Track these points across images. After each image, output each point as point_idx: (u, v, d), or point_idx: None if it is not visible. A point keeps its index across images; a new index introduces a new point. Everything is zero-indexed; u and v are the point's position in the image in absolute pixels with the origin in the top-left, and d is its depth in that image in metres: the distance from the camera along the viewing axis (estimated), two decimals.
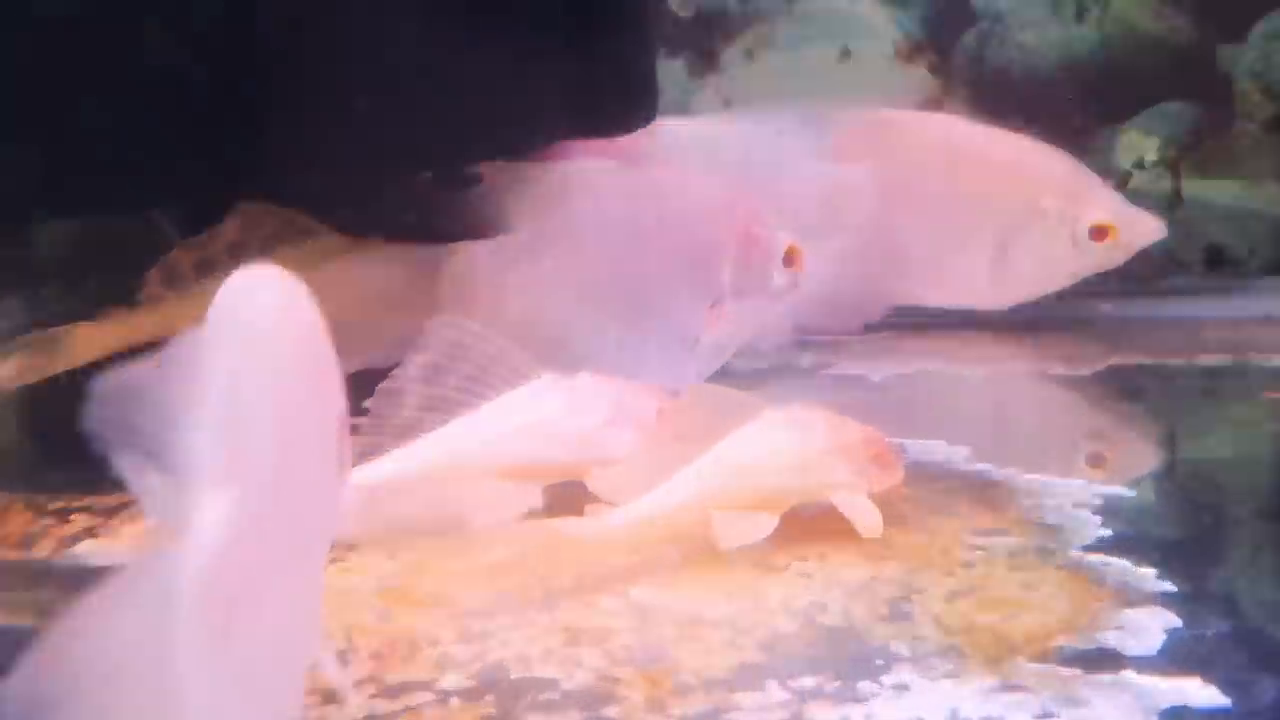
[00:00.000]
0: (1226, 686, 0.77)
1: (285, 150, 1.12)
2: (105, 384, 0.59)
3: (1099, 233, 1.42)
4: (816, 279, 1.36)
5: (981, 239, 1.45)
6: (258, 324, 0.64)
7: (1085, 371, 1.45)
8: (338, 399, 0.69)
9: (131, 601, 0.57)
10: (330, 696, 0.76)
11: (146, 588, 0.56)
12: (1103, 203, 1.41)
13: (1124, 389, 1.41)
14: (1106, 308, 1.57)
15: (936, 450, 1.18)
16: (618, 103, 1.21)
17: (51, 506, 1.15)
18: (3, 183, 1.20)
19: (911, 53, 1.49)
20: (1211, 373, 1.38)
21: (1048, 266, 1.44)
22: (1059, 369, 1.46)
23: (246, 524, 0.57)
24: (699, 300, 1.25)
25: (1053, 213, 1.41)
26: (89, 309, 1.24)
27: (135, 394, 0.60)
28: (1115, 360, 1.45)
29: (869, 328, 1.51)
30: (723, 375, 1.29)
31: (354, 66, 1.12)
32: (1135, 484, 1.13)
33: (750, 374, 1.38)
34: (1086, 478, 1.13)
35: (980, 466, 1.15)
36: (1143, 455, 1.28)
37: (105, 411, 0.59)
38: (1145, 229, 1.42)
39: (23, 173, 1.18)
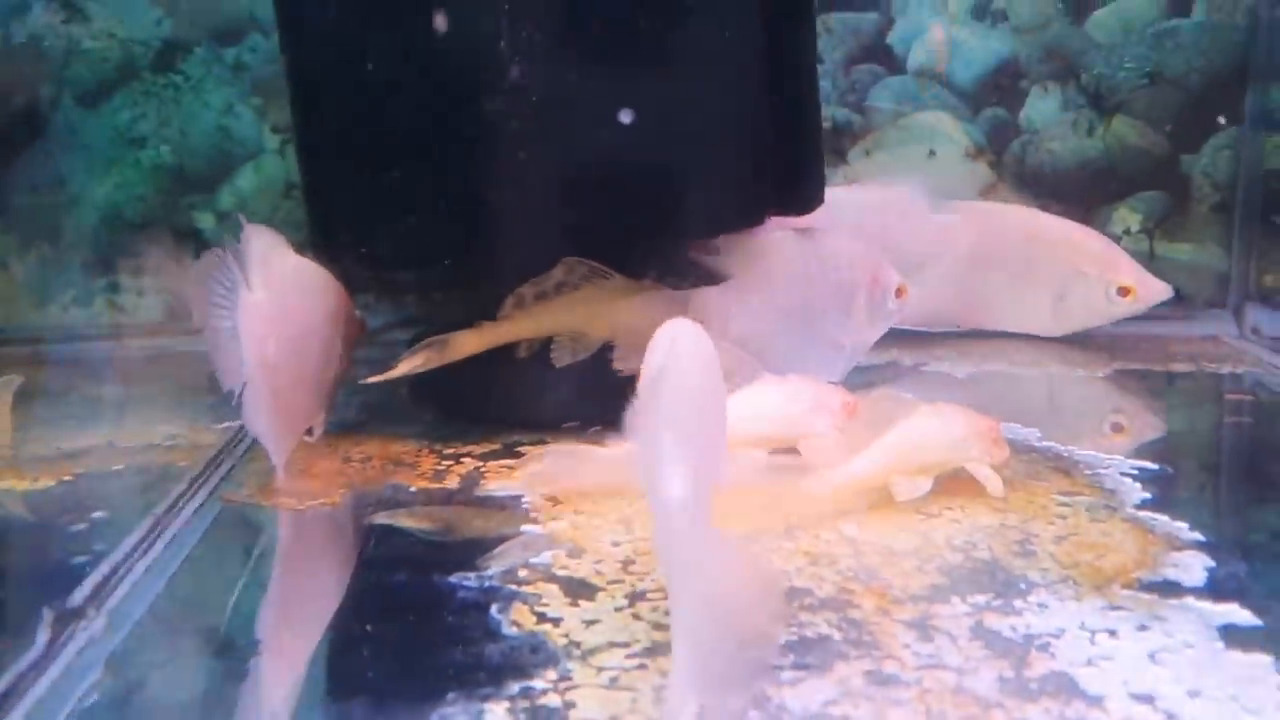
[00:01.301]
0: (1257, 611, 0.80)
1: (595, 229, 1.19)
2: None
3: (1124, 291, 1.45)
4: (923, 294, 1.42)
5: (1044, 291, 1.51)
6: (686, 356, 0.74)
7: (1099, 373, 1.48)
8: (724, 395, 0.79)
9: None
10: None
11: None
12: (1128, 270, 1.44)
13: (1127, 386, 1.41)
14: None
15: (1017, 431, 1.20)
16: (802, 196, 1.30)
17: (447, 451, 1.20)
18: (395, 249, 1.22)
19: (976, 154, 1.53)
20: (1180, 376, 1.36)
21: (1089, 313, 1.50)
22: (1081, 371, 1.49)
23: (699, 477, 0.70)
24: (844, 321, 1.30)
25: (1093, 276, 1.43)
26: (445, 315, 1.29)
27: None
28: (1116, 366, 1.47)
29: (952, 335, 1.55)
30: (858, 370, 1.35)
31: (645, 189, 1.18)
32: (1158, 459, 1.13)
33: (875, 368, 1.42)
34: (1120, 450, 1.15)
35: (1049, 443, 1.17)
36: (1153, 430, 1.29)
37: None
38: (1157, 290, 1.50)
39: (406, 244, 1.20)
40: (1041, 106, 1.64)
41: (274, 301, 1.09)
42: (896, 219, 1.49)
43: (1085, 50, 1.62)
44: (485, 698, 0.73)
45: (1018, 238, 1.53)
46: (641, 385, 0.76)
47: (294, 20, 1.22)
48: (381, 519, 1.05)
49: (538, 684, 0.74)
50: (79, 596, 0.88)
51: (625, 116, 1.15)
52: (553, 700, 0.72)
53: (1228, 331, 1.55)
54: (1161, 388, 1.39)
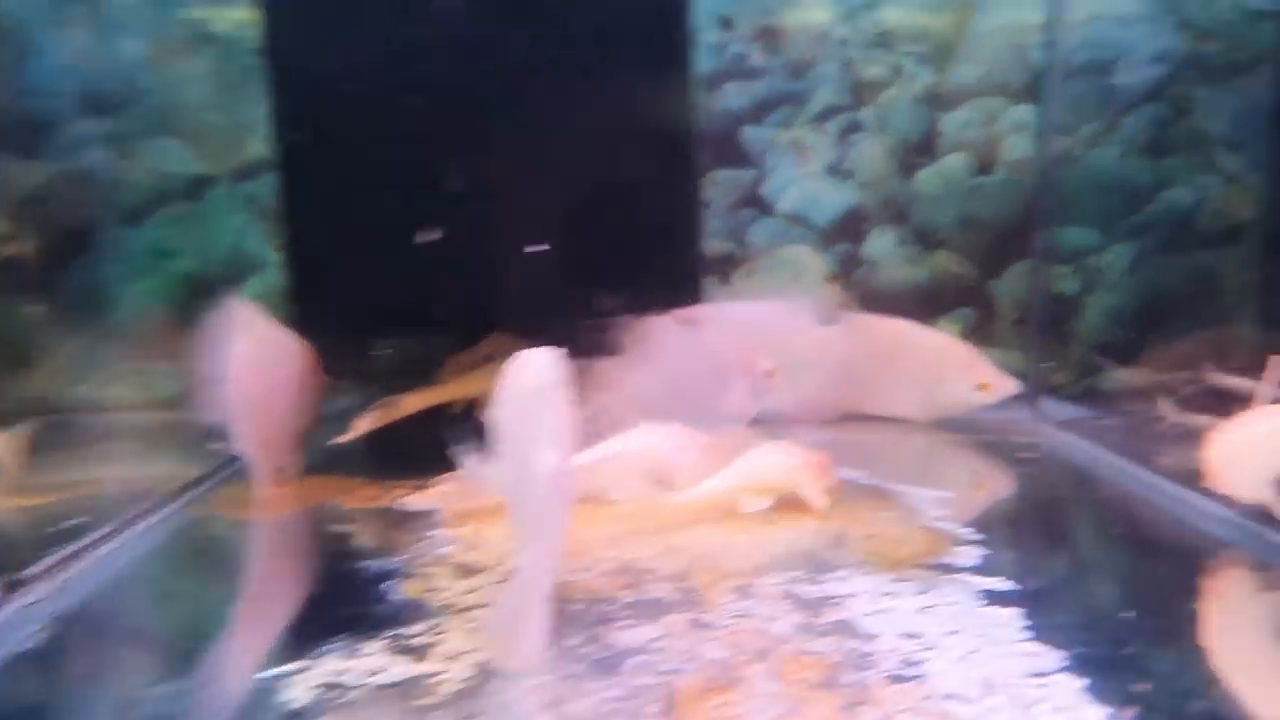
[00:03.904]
0: (1014, 580, 0.82)
1: (517, 313, 1.15)
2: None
3: (982, 387, 1.40)
4: (804, 392, 1.40)
5: (917, 386, 1.46)
6: (527, 379, 0.69)
7: (924, 440, 1.43)
8: (570, 416, 0.70)
9: None
10: None
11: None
12: (985, 370, 1.42)
13: (942, 449, 1.37)
14: None
15: (848, 472, 1.15)
16: (683, 294, 1.28)
17: (384, 485, 1.15)
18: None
19: (832, 278, 1.53)
20: (986, 444, 1.36)
21: (954, 404, 1.44)
22: (911, 440, 1.44)
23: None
24: (721, 393, 1.27)
25: (957, 375, 1.40)
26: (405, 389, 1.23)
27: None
28: (938, 437, 1.42)
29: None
30: None
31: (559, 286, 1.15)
32: (957, 490, 1.13)
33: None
34: (928, 485, 1.12)
35: (873, 481, 1.15)
36: (957, 474, 1.28)
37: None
38: (1008, 386, 1.44)
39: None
40: (880, 243, 1.68)
41: (255, 354, 1.10)
42: (785, 329, 1.44)
43: (913, 200, 1.67)
44: (365, 638, 0.71)
45: (895, 342, 1.48)
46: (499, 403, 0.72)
47: (288, 171, 1.28)
48: (319, 526, 1.04)
49: (412, 629, 0.73)
50: (31, 571, 0.86)
51: (543, 238, 1.20)
52: (423, 640, 0.71)
53: (1025, 416, 1.56)
54: (968, 450, 1.38)
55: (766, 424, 1.38)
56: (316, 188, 1.23)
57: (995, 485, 1.22)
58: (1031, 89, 1.62)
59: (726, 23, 1.62)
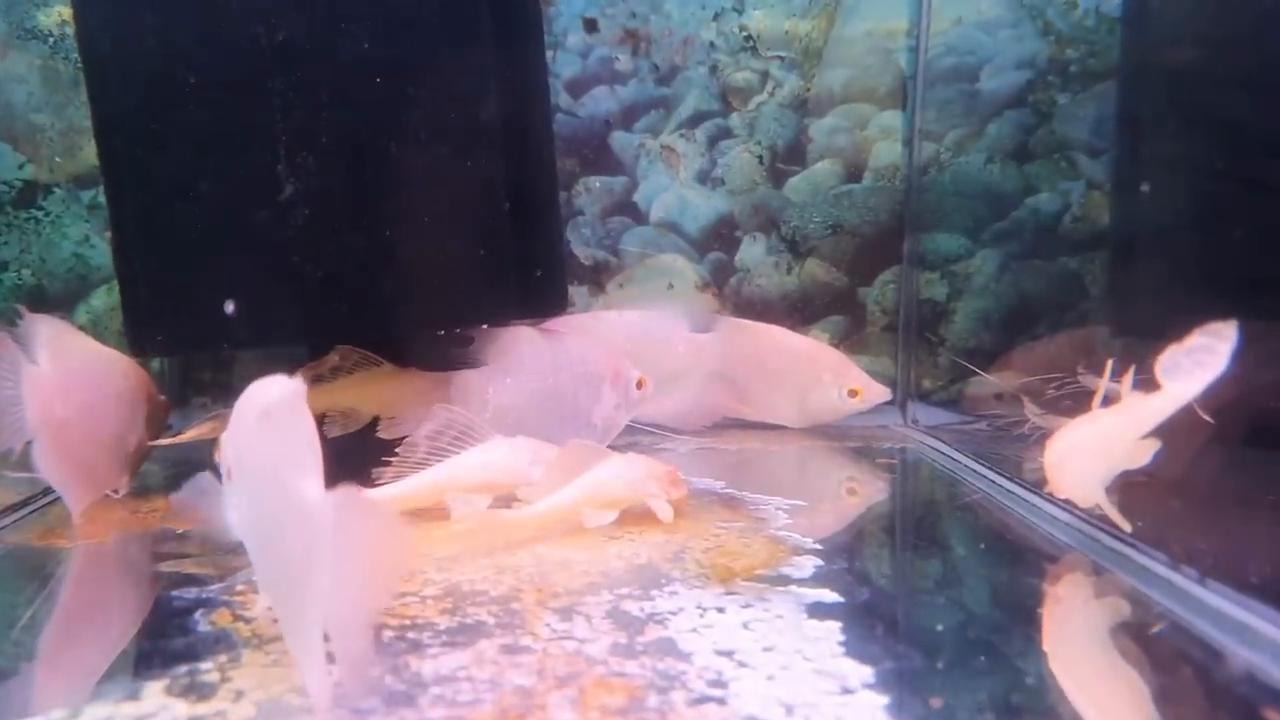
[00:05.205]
0: (841, 593, 0.81)
1: (367, 320, 1.13)
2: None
3: (853, 393, 1.42)
4: (680, 400, 1.43)
5: (790, 392, 1.48)
6: (256, 403, 0.64)
7: (789, 448, 1.45)
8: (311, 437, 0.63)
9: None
10: None
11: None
12: (856, 377, 1.45)
13: (806, 456, 1.40)
14: None
15: (707, 482, 1.18)
16: (546, 303, 1.26)
17: None
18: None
19: (704, 287, 1.51)
20: (852, 449, 1.38)
21: (826, 410, 1.48)
22: (775, 447, 1.45)
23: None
24: (593, 405, 1.26)
25: (829, 381, 1.40)
26: None
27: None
28: (805, 444, 1.44)
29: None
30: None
31: (409, 289, 1.13)
32: (809, 498, 1.14)
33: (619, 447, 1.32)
34: (781, 493, 1.12)
35: (729, 490, 1.15)
36: (814, 481, 1.29)
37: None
38: (879, 392, 1.48)
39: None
40: (752, 251, 1.68)
41: (58, 372, 1.04)
42: (658, 338, 1.46)
43: (784, 208, 1.67)
44: (149, 678, 0.66)
45: (774, 347, 1.50)
46: (240, 430, 0.67)
47: (112, 177, 1.19)
48: (142, 552, 0.99)
49: (205, 665, 0.68)
50: None
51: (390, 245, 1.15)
52: (213, 677, 0.66)
53: (895, 421, 1.58)
54: (833, 457, 1.39)
55: (641, 432, 1.40)
56: (142, 195, 1.15)
57: (854, 493, 1.22)
58: (898, 94, 1.64)
59: (591, 25, 1.61)
